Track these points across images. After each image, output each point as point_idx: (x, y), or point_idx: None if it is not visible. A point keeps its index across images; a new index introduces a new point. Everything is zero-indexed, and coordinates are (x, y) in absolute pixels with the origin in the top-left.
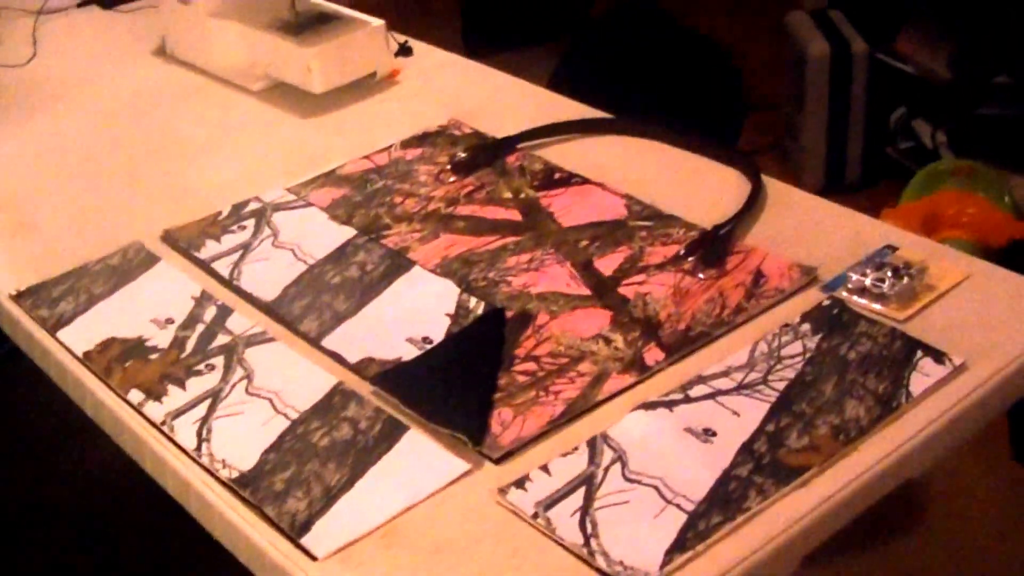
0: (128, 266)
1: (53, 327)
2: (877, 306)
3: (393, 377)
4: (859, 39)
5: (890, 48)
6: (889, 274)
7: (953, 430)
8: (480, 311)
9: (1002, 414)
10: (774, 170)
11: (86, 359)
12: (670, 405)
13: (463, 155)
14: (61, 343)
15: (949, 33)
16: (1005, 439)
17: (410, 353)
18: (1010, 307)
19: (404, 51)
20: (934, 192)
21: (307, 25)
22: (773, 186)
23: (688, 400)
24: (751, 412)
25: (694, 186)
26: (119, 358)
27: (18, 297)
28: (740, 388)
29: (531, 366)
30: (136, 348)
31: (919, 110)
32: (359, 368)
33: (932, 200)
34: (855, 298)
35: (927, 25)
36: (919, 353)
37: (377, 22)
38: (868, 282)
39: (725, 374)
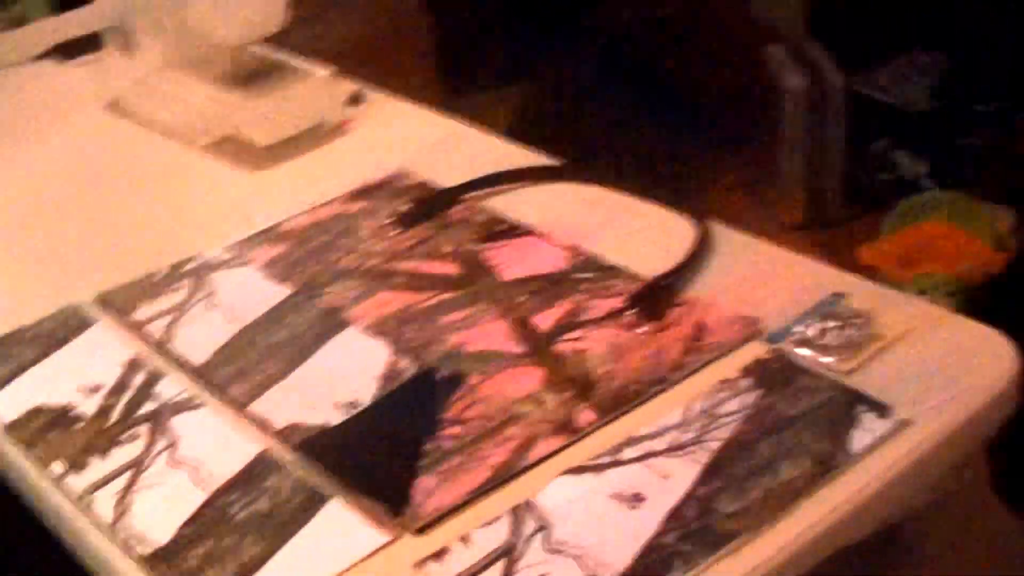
0: (62, 331)
1: None
2: (821, 358)
3: (315, 444)
4: (836, 71)
5: (870, 78)
6: (835, 324)
7: (896, 490)
8: (411, 372)
9: (954, 468)
10: (752, 207)
11: (11, 429)
12: (599, 469)
13: (406, 208)
14: None
15: (929, 62)
16: (978, 471)
17: (337, 418)
18: (960, 355)
19: (355, 100)
20: (914, 225)
21: (253, 77)
22: (722, 232)
23: (618, 463)
24: (683, 475)
25: (641, 235)
26: (44, 428)
27: None
28: (673, 449)
29: (459, 430)
30: (62, 417)
31: (900, 141)
32: (285, 434)
33: (912, 233)
34: (798, 350)
35: (907, 54)
36: (862, 407)
37: (324, 72)
38: (812, 333)
39: (658, 435)
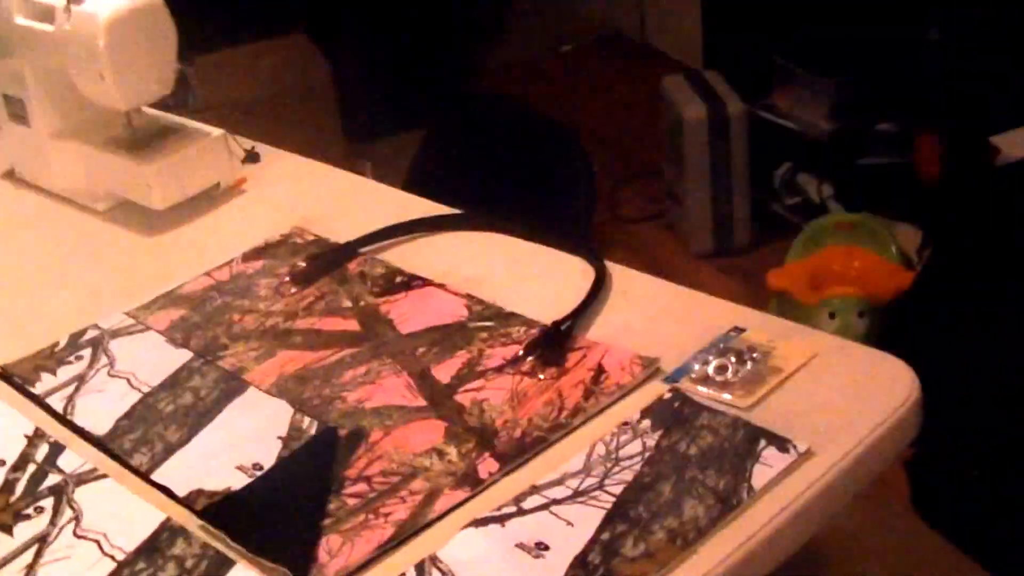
0: None
1: None
2: (722, 395)
3: (219, 510)
4: (736, 98)
5: (769, 104)
6: (733, 359)
7: (799, 523)
8: (313, 431)
9: (852, 496)
10: (662, 239)
11: None
12: (502, 520)
13: (302, 265)
14: None
15: (826, 85)
16: (899, 490)
17: (240, 481)
18: (860, 384)
19: (251, 158)
20: (820, 248)
21: (146, 140)
22: (619, 273)
23: (521, 513)
24: (586, 521)
25: (540, 279)
26: None
27: None
28: (575, 496)
29: (362, 487)
30: None
31: (803, 164)
32: (188, 501)
33: (818, 257)
34: (699, 388)
35: (804, 78)
36: (762, 442)
37: (217, 132)
38: (711, 370)
39: (560, 482)
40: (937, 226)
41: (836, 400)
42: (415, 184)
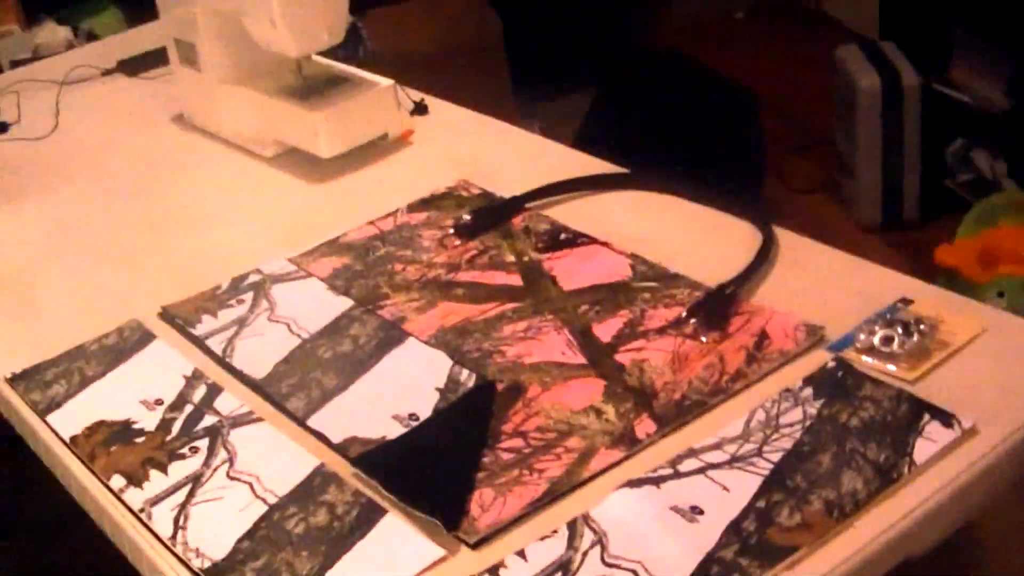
0: (124, 345)
1: (44, 411)
2: (887, 366)
3: (373, 458)
4: (911, 70)
5: (945, 77)
6: (899, 331)
7: (960, 502)
8: (471, 384)
9: (1016, 479)
10: (829, 209)
11: (72, 444)
12: (658, 482)
13: (467, 218)
14: (50, 427)
15: (1004, 59)
16: None
17: (395, 431)
18: None
19: (420, 109)
20: (991, 226)
21: (315, 89)
22: (786, 238)
23: (677, 475)
24: (742, 487)
25: (706, 241)
26: (105, 442)
27: (12, 380)
28: (733, 461)
29: (518, 442)
30: (123, 431)
31: (978, 140)
32: (342, 448)
33: (989, 235)
34: (863, 358)
35: (981, 52)
36: (926, 416)
37: (387, 82)
38: (877, 340)
39: (718, 446)
40: None
41: (1004, 378)
42: (584, 142)
